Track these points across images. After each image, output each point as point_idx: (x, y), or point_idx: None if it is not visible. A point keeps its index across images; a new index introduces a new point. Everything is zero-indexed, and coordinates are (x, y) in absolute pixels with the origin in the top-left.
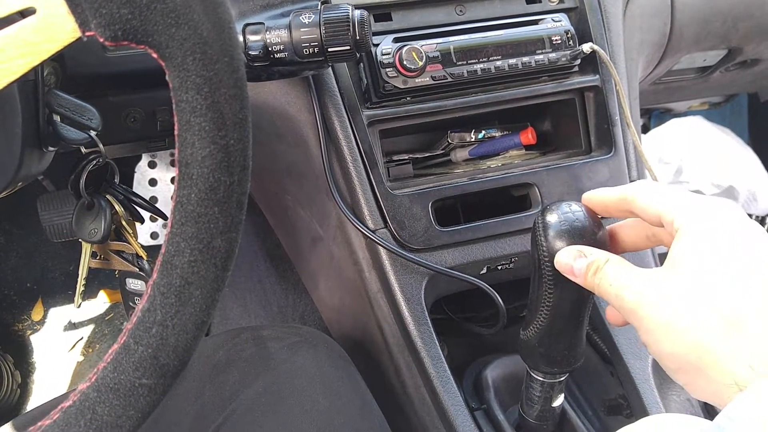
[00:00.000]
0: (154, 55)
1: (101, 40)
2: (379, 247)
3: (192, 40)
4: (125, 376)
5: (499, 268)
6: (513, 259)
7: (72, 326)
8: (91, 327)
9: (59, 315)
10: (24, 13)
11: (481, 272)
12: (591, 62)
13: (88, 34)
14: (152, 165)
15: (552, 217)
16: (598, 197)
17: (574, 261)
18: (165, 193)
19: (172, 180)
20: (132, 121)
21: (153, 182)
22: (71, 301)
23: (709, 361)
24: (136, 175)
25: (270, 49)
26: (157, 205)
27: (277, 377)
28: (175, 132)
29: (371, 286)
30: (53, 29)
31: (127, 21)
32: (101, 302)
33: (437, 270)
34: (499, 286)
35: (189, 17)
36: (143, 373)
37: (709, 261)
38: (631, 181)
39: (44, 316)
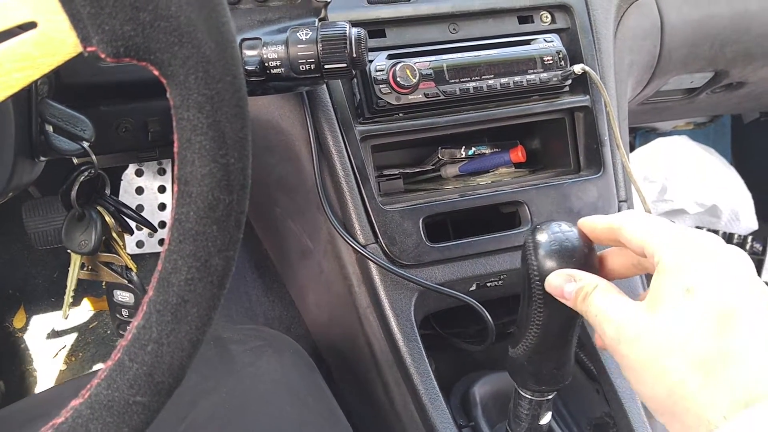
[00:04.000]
0: (156, 73)
1: (102, 56)
2: (370, 262)
3: (195, 59)
4: (119, 394)
5: (488, 285)
6: (502, 277)
7: (55, 334)
8: (74, 335)
9: (42, 322)
10: (24, 27)
11: (470, 289)
12: (581, 82)
13: (89, 49)
14: (139, 173)
15: (542, 237)
16: (589, 224)
17: (564, 284)
18: (152, 202)
19: (159, 189)
20: (123, 131)
21: (140, 191)
22: (54, 308)
23: (684, 408)
24: (122, 183)
25: (266, 64)
26: (143, 213)
27: (241, 383)
28: (175, 149)
29: (361, 301)
30: (54, 44)
31: (129, 38)
32: (85, 310)
33: (428, 286)
34: (487, 303)
35: (192, 36)
36: (138, 391)
37: (686, 303)
38: (619, 201)
39: (26, 324)
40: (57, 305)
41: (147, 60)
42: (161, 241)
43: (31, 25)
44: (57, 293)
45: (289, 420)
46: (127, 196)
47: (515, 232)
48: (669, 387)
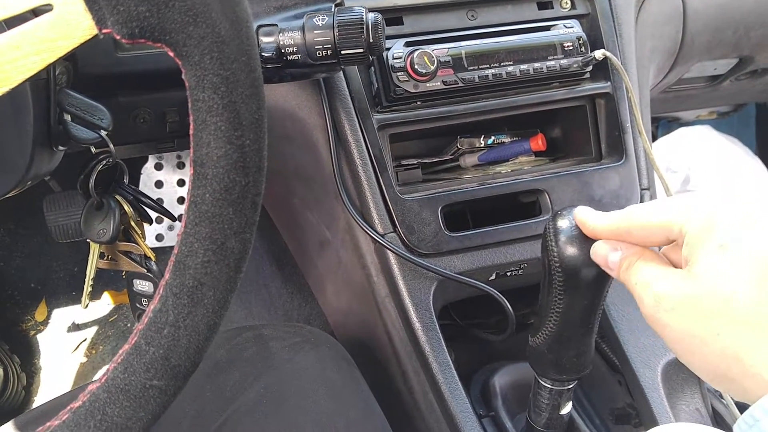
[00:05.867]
0: (171, 54)
1: (118, 37)
2: (388, 251)
3: (209, 39)
4: (136, 377)
5: (508, 274)
6: (522, 266)
7: (76, 327)
8: (94, 328)
9: (63, 316)
10: (40, 10)
11: (490, 278)
12: (602, 69)
13: (104, 31)
14: (158, 167)
15: (563, 223)
16: (590, 228)
17: (609, 253)
18: (171, 195)
19: (179, 182)
20: (141, 121)
21: (159, 184)
22: (75, 301)
23: (740, 371)
24: (142, 176)
25: (283, 50)
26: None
27: (279, 378)
28: (191, 131)
29: (379, 291)
30: (70, 26)
31: (144, 18)
32: (105, 303)
33: (446, 275)
34: (507, 293)
35: (207, 15)
36: (154, 375)
37: (722, 260)
38: (641, 189)
39: (48, 317)
40: (78, 299)
41: (162, 41)
42: None
43: (47, 8)
44: (78, 287)
45: (325, 412)
46: (146, 189)
47: (536, 221)
48: (720, 351)
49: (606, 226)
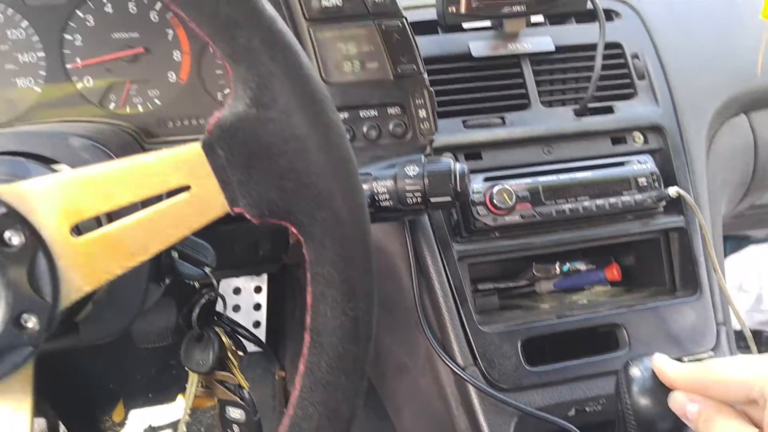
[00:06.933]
0: (293, 230)
1: (248, 216)
2: (469, 384)
3: (331, 221)
4: None
5: (587, 410)
6: (602, 401)
7: (151, 430)
8: None
9: (139, 417)
10: (180, 189)
11: (570, 413)
12: (675, 203)
13: (236, 210)
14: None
15: (636, 372)
16: (668, 378)
17: (687, 404)
18: (248, 302)
19: (256, 289)
20: (237, 250)
21: (237, 291)
22: (152, 404)
23: None
24: (220, 283)
25: (376, 198)
26: (239, 312)
27: None
28: (308, 301)
29: (459, 424)
30: (204, 205)
31: (273, 203)
32: (180, 407)
33: (527, 412)
34: (588, 427)
35: (330, 202)
36: None
37: None
38: (717, 324)
39: (125, 418)
40: (155, 401)
41: (287, 221)
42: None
43: (185, 188)
44: (155, 389)
45: None
46: (224, 295)
47: (613, 356)
48: None
49: (683, 377)
